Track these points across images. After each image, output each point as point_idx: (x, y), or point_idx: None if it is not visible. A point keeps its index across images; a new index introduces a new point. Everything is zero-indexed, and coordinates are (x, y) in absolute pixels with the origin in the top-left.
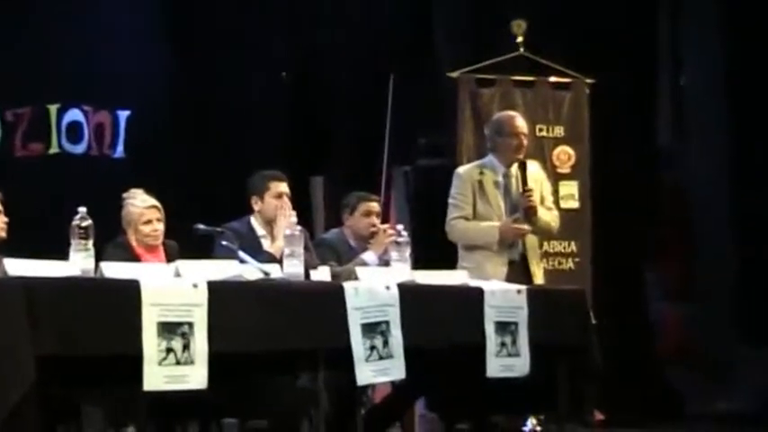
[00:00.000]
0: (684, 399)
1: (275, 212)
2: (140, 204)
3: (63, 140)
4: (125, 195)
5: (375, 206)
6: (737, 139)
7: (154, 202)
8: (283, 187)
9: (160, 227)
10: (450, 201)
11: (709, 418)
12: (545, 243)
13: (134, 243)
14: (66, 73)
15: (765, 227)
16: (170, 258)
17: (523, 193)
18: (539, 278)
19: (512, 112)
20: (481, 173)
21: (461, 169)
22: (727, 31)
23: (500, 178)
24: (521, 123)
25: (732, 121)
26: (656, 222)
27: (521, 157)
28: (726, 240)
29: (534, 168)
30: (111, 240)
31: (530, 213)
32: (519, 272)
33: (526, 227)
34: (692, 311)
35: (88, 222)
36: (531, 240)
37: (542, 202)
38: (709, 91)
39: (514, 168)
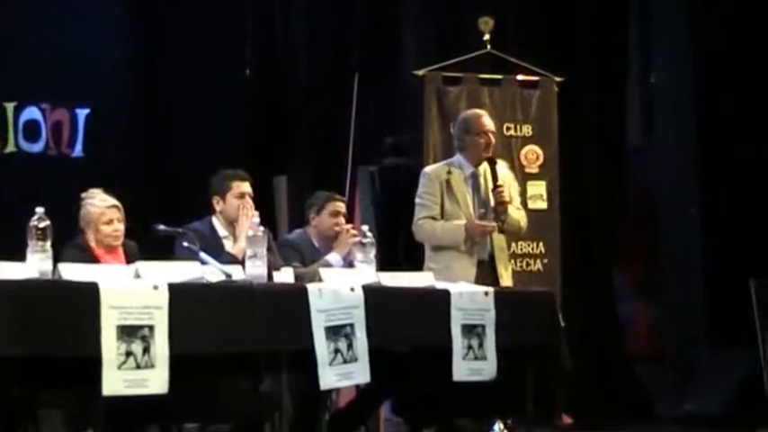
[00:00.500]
0: (653, 400)
1: (237, 213)
2: (100, 204)
3: (20, 139)
4: (84, 195)
5: (342, 206)
6: (707, 138)
7: (114, 201)
8: (246, 187)
9: (121, 227)
10: (418, 200)
11: (679, 420)
12: (513, 244)
13: (93, 244)
14: (22, 70)
15: (733, 228)
16: (130, 260)
17: (495, 189)
18: (506, 279)
19: (479, 111)
20: (449, 172)
21: (429, 168)
22: (697, 28)
23: (468, 177)
24: (488, 122)
25: (701, 121)
26: (625, 223)
27: (489, 155)
28: (694, 241)
29: (502, 168)
30: (70, 241)
31: (500, 210)
32: (487, 273)
33: (492, 223)
34: (661, 312)
35: (46, 223)
36: (499, 240)
37: (510, 202)
38: (678, 90)
39: (483, 168)
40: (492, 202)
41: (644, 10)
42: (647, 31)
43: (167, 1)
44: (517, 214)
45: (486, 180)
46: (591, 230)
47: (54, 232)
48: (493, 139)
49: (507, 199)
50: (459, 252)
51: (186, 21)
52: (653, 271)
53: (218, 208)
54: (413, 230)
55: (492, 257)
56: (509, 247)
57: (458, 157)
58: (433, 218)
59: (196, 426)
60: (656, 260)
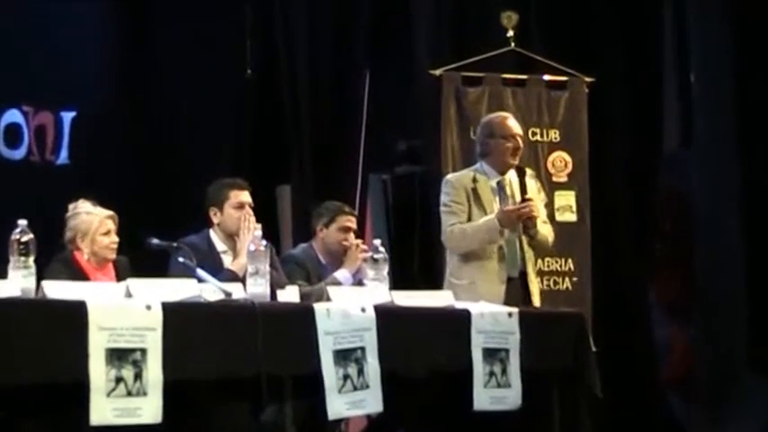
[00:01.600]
0: (688, 429)
1: (236, 225)
2: (98, 213)
3: (0, 145)
4: (72, 206)
5: (353, 221)
6: (750, 143)
7: (110, 211)
8: (245, 196)
9: (117, 239)
10: (444, 209)
11: None
12: (539, 260)
13: (84, 258)
14: (2, 69)
15: None
16: (120, 277)
17: (522, 201)
18: (537, 299)
19: (504, 113)
20: (475, 179)
21: (452, 176)
22: (739, 22)
23: (494, 186)
24: (515, 125)
25: (744, 124)
26: (661, 237)
27: (516, 162)
28: (736, 257)
29: (529, 180)
30: (55, 256)
31: (529, 225)
32: (518, 290)
33: (523, 204)
34: (698, 334)
35: (29, 237)
36: (530, 257)
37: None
38: (719, 90)
39: (509, 175)
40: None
41: (680, 2)
42: (685, 25)
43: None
44: (545, 229)
45: (512, 190)
46: (624, 245)
47: (38, 247)
48: (521, 144)
49: (537, 213)
50: (487, 267)
51: (181, 18)
52: (689, 289)
53: (215, 220)
54: (444, 240)
55: (523, 273)
56: (535, 263)
57: (481, 164)
58: (463, 224)
59: None
60: (694, 277)
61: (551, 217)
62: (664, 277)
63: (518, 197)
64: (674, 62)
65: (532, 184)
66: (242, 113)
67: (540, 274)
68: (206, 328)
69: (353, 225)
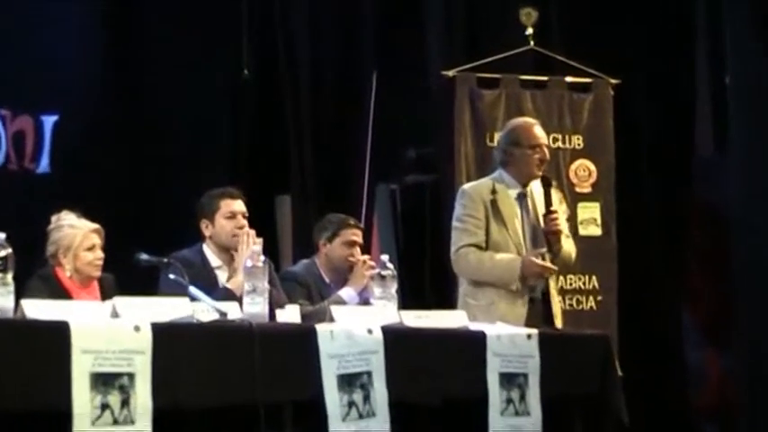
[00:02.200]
0: None
1: (230, 237)
2: (83, 227)
3: None
4: (55, 218)
5: (358, 235)
6: None
7: (95, 225)
8: (237, 205)
9: (102, 255)
10: (457, 224)
11: None
12: (561, 278)
13: (66, 275)
14: None
15: None
16: (106, 295)
17: (547, 214)
18: (559, 320)
19: (530, 120)
20: (494, 191)
21: (469, 186)
22: None
23: (516, 198)
24: (541, 133)
25: None
26: (695, 252)
27: (541, 173)
28: None
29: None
30: (35, 273)
31: (553, 241)
32: (539, 311)
33: (552, 266)
34: (735, 359)
35: (7, 252)
36: (553, 275)
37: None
38: (756, 93)
39: (530, 187)
40: (542, 230)
41: None
42: (718, 23)
43: None
44: (567, 244)
45: (534, 202)
46: (653, 261)
47: (17, 263)
48: (548, 155)
49: (562, 229)
50: (508, 289)
51: (172, 13)
52: (726, 309)
53: (207, 233)
54: (452, 260)
55: (546, 294)
56: (556, 280)
57: (501, 173)
58: (478, 246)
59: None
60: (731, 296)
61: (574, 231)
62: (697, 296)
63: (541, 210)
64: (707, 62)
65: (554, 195)
66: (238, 118)
67: (563, 292)
68: (199, 350)
69: (359, 239)
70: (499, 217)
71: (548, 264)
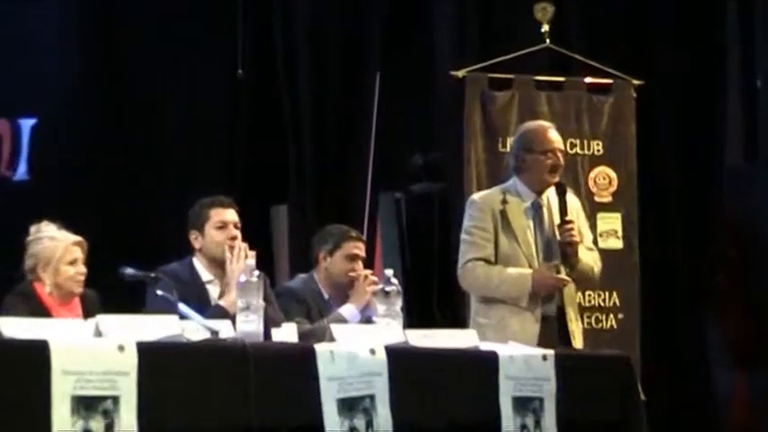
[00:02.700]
0: None
1: (220, 248)
2: (63, 239)
3: None
4: (34, 229)
5: (361, 248)
6: None
7: (77, 237)
8: (228, 215)
9: (85, 270)
10: (465, 237)
11: None
12: (579, 294)
13: (46, 290)
14: None
15: None
16: (88, 312)
17: (562, 224)
18: (578, 340)
19: (544, 123)
20: (505, 200)
21: (478, 196)
22: None
23: (529, 208)
24: (556, 137)
25: None
26: (723, 267)
27: (556, 180)
28: None
29: (571, 197)
30: (13, 288)
31: (570, 252)
32: (554, 331)
33: (567, 278)
34: (765, 382)
35: None
36: (570, 290)
37: (581, 241)
38: None
39: (547, 195)
40: (558, 241)
41: None
42: (751, 20)
43: None
44: (588, 256)
45: (550, 212)
46: (678, 277)
47: None
48: (562, 160)
49: (578, 238)
50: (519, 306)
51: (159, 8)
52: (757, 328)
53: (197, 245)
54: (458, 275)
55: (561, 310)
56: (576, 297)
57: (514, 182)
58: (486, 260)
59: None
60: (762, 314)
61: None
62: (726, 314)
63: (557, 219)
64: (738, 64)
65: (574, 202)
66: (232, 121)
67: (581, 310)
68: (189, 372)
69: (362, 253)
70: (509, 229)
71: (561, 276)
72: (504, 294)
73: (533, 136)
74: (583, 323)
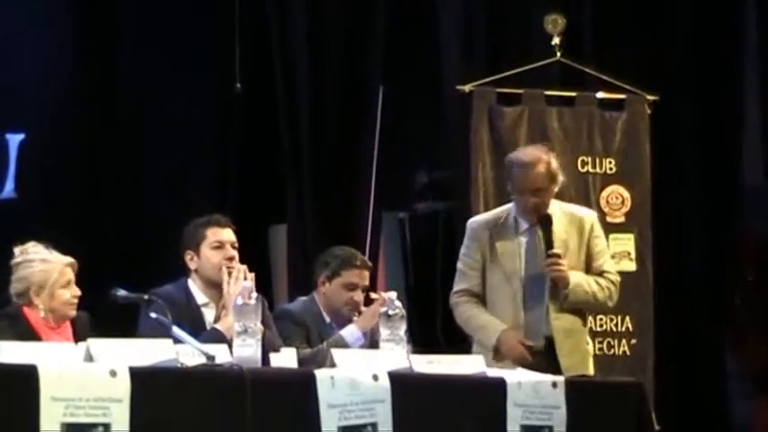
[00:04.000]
0: None
1: (216, 269)
2: (56, 261)
3: None
4: (21, 250)
5: (364, 277)
6: None
7: (69, 258)
8: (226, 235)
9: (78, 292)
10: (458, 264)
11: None
12: (590, 318)
13: (37, 315)
14: None
15: None
16: (79, 336)
17: (547, 257)
18: (570, 372)
19: (531, 154)
20: (497, 228)
21: (474, 221)
22: None
23: (522, 236)
24: (539, 174)
25: None
26: (741, 290)
27: (536, 218)
28: None
29: (585, 214)
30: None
31: (559, 286)
32: (543, 368)
33: (527, 355)
34: None
35: None
36: (564, 321)
37: (590, 262)
38: None
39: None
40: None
41: (764, 5)
42: None
43: None
44: (592, 285)
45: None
46: (694, 301)
47: None
48: (544, 196)
49: (564, 273)
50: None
51: (154, 19)
52: None
53: (192, 266)
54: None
55: (551, 343)
56: (585, 322)
57: (514, 206)
58: (470, 292)
59: None
60: None
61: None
62: (745, 340)
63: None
64: (756, 78)
65: (586, 219)
66: (228, 136)
67: (592, 334)
68: (183, 398)
69: (363, 281)
70: (497, 260)
71: (524, 351)
72: (479, 341)
73: (514, 173)
74: (594, 348)
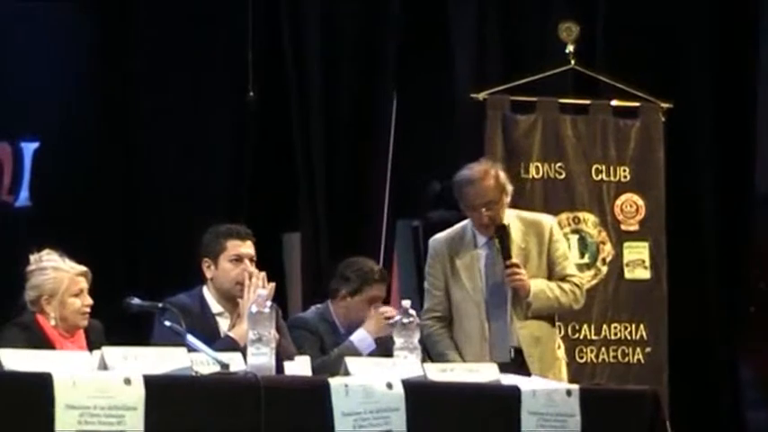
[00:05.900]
0: None
1: (232, 283)
2: (69, 270)
3: None
4: (36, 258)
5: (383, 290)
6: None
7: (82, 267)
8: (246, 248)
9: (90, 301)
10: (424, 283)
11: None
12: (604, 327)
13: (50, 323)
14: None
15: None
16: (93, 345)
17: (506, 268)
18: (553, 376)
19: (476, 171)
20: (457, 244)
21: (434, 238)
22: None
23: (480, 250)
24: (486, 187)
25: None
26: (755, 299)
27: (491, 232)
28: None
29: (544, 220)
30: (13, 320)
31: (519, 297)
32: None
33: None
34: None
35: None
36: (531, 329)
37: (552, 267)
38: None
39: (510, 225)
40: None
41: None
42: None
43: (143, 4)
44: (554, 289)
45: (509, 245)
46: (708, 309)
47: None
48: (494, 211)
49: (524, 282)
50: (467, 350)
51: (168, 27)
52: None
53: (208, 274)
54: None
55: (520, 354)
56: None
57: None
58: (436, 312)
59: None
60: None
61: (619, 273)
62: (758, 348)
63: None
64: None
65: (540, 224)
66: (242, 145)
67: (606, 342)
68: (197, 406)
69: (383, 293)
70: (458, 276)
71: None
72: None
73: (464, 191)
74: (608, 357)
